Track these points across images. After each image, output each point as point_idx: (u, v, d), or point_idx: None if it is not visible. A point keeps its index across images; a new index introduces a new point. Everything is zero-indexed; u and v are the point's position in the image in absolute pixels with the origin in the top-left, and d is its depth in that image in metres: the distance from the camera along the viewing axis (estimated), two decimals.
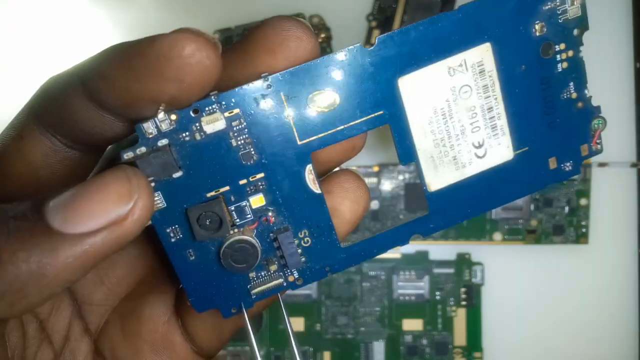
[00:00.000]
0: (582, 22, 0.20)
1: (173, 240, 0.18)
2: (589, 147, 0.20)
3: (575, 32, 0.20)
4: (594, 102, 0.20)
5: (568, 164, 0.20)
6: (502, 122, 0.19)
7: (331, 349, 0.49)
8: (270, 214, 0.18)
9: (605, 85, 0.49)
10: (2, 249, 0.14)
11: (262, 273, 0.19)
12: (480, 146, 0.19)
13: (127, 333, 0.20)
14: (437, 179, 0.19)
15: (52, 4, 0.48)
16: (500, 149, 0.19)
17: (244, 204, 0.18)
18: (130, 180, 0.15)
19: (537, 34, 0.19)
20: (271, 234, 0.18)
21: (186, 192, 0.17)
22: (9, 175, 0.18)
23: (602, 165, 0.48)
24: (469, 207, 0.20)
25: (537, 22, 0.19)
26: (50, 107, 0.17)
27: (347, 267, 0.19)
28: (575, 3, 0.19)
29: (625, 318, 0.49)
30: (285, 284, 0.19)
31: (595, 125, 0.20)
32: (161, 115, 0.16)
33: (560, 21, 0.19)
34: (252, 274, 0.19)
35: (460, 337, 0.48)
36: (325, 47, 0.47)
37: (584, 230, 0.48)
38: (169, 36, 0.15)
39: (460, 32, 0.18)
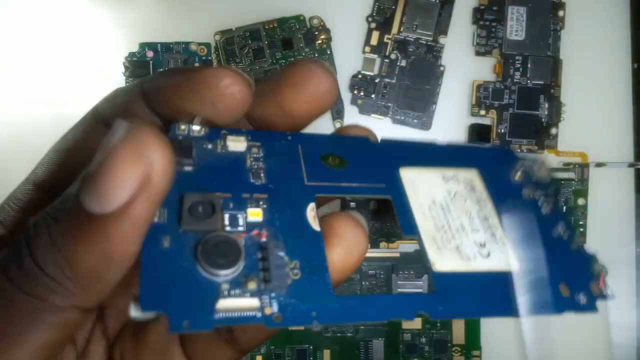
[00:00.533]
0: (554, 184, 0.21)
1: (155, 220, 0.17)
2: (598, 287, 0.19)
3: (550, 188, 0.21)
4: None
5: (581, 295, 0.19)
6: (500, 233, 0.19)
7: (331, 347, 0.49)
8: (264, 231, 0.18)
9: (603, 85, 0.49)
10: (65, 251, 0.16)
11: (237, 290, 0.16)
12: (483, 246, 0.19)
13: (136, 342, 0.21)
14: (441, 261, 0.19)
15: (51, 3, 0.48)
16: (504, 257, 0.19)
17: (240, 215, 0.18)
18: (133, 137, 0.15)
19: (517, 179, 0.21)
20: (259, 252, 0.17)
21: (189, 184, 0.18)
22: (72, 167, 0.20)
23: (599, 165, 0.48)
24: (481, 303, 0.18)
25: (516, 171, 0.21)
26: (112, 106, 0.20)
27: (337, 322, 0.18)
28: (542, 169, 0.21)
29: (624, 316, 0.49)
30: (259, 314, 0.16)
31: (597, 270, 0.19)
32: (196, 126, 0.19)
33: (534, 179, 0.21)
34: (225, 286, 0.16)
35: (458, 335, 0.49)
36: (325, 49, 0.48)
37: (581, 229, 0.48)
38: (212, 68, 0.18)
39: (451, 156, 0.21)
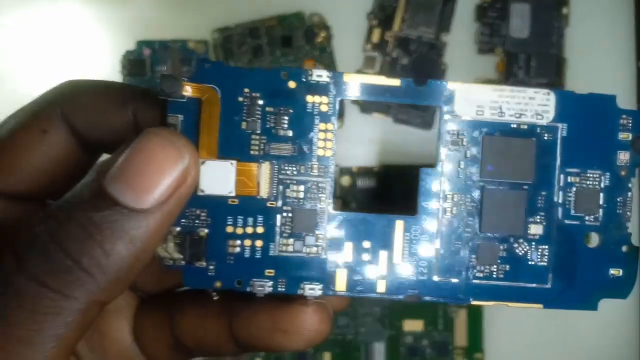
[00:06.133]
0: None
1: None
2: None
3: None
4: None
5: None
6: None
7: (332, 349, 0.48)
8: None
9: (607, 83, 0.49)
10: (102, 243, 0.16)
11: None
12: None
13: (92, 347, 0.21)
14: None
15: (48, 3, 0.47)
16: None
17: None
18: (173, 141, 0.17)
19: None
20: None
21: None
22: (26, 168, 0.19)
23: None
24: None
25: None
26: (86, 109, 0.20)
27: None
28: None
29: (625, 318, 0.49)
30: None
31: None
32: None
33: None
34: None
35: (461, 337, 0.48)
36: (326, 46, 0.47)
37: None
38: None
39: None
